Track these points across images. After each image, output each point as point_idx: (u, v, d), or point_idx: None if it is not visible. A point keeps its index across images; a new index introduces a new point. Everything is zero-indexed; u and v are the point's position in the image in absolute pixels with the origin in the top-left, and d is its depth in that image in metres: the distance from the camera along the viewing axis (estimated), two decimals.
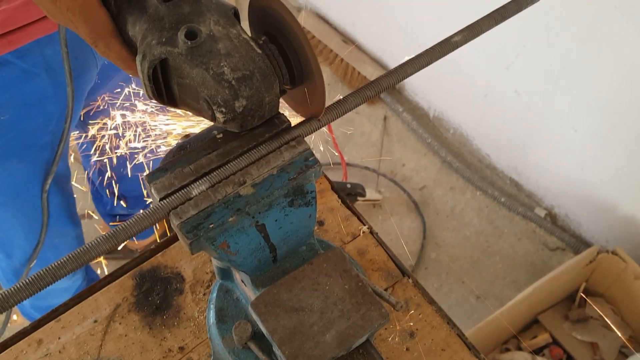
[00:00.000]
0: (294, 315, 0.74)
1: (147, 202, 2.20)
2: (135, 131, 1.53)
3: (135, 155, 1.58)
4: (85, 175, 2.22)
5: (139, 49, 0.70)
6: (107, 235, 0.65)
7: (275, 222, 0.75)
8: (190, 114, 0.77)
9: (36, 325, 1.02)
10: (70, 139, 1.58)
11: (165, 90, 0.72)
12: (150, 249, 1.11)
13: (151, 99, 0.72)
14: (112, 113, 1.55)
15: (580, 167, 2.26)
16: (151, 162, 1.56)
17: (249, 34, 0.72)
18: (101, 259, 2.25)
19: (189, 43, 0.67)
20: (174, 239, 1.11)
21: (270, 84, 0.69)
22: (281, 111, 0.76)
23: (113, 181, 2.11)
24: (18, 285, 0.61)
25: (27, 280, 0.61)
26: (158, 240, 2.48)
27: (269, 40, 0.72)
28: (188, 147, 0.77)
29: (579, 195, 2.36)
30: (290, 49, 0.71)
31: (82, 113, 1.57)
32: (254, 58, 0.68)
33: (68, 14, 0.73)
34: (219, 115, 0.68)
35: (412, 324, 1.04)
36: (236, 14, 0.72)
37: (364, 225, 1.15)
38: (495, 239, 2.55)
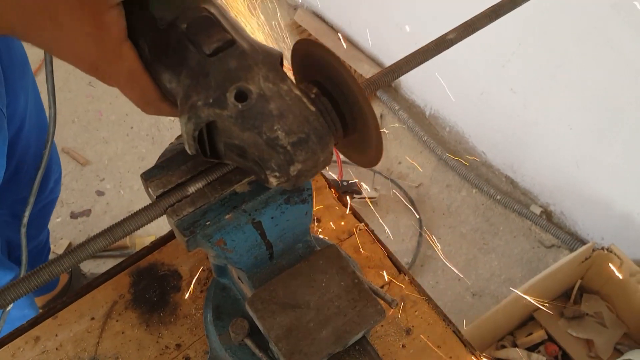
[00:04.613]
0: (290, 312, 0.75)
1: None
2: None
3: None
4: None
5: (182, 108, 0.65)
6: (103, 232, 0.65)
7: (271, 220, 0.76)
8: None
9: (33, 323, 1.02)
10: None
11: (209, 146, 0.68)
12: (147, 247, 1.11)
13: (192, 154, 0.68)
14: None
15: (575, 165, 2.27)
16: None
17: (295, 81, 0.67)
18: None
19: (240, 106, 0.62)
20: (171, 236, 1.11)
21: (326, 144, 0.65)
22: None
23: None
24: (15, 282, 0.61)
25: (24, 277, 0.61)
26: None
27: (320, 92, 0.68)
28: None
29: (574, 192, 2.37)
30: (342, 99, 0.67)
31: None
32: (308, 118, 0.63)
33: (111, 83, 0.69)
34: (272, 180, 0.64)
35: (408, 321, 1.04)
36: (282, 61, 0.67)
37: (360, 222, 1.15)
38: (491, 237, 2.56)
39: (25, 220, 1.29)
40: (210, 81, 0.63)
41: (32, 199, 1.27)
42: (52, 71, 1.12)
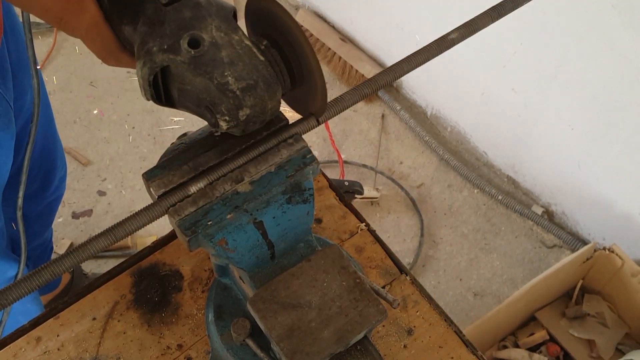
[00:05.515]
0: (292, 311, 0.75)
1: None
2: None
3: None
4: None
5: (138, 54, 0.69)
6: (104, 232, 0.65)
7: (273, 219, 0.76)
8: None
9: (35, 323, 1.02)
10: None
11: (164, 92, 0.72)
12: (149, 247, 1.11)
13: (148, 100, 0.72)
14: None
15: (577, 165, 2.27)
16: None
17: (248, 35, 0.71)
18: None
19: (192, 52, 0.66)
20: (173, 236, 1.11)
21: (274, 92, 0.69)
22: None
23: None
24: (16, 282, 0.61)
25: (25, 277, 0.61)
26: None
27: (270, 44, 0.72)
28: (186, 145, 0.77)
29: (575, 192, 2.37)
30: (290, 51, 0.71)
31: None
32: (257, 66, 0.68)
33: (75, 34, 0.74)
34: (222, 124, 0.69)
35: (409, 321, 1.04)
36: (235, 15, 0.72)
37: (362, 222, 1.15)
38: (493, 237, 2.55)
39: (20, 202, 1.30)
40: (166, 29, 0.68)
41: (23, 177, 1.28)
42: (32, 39, 1.13)
